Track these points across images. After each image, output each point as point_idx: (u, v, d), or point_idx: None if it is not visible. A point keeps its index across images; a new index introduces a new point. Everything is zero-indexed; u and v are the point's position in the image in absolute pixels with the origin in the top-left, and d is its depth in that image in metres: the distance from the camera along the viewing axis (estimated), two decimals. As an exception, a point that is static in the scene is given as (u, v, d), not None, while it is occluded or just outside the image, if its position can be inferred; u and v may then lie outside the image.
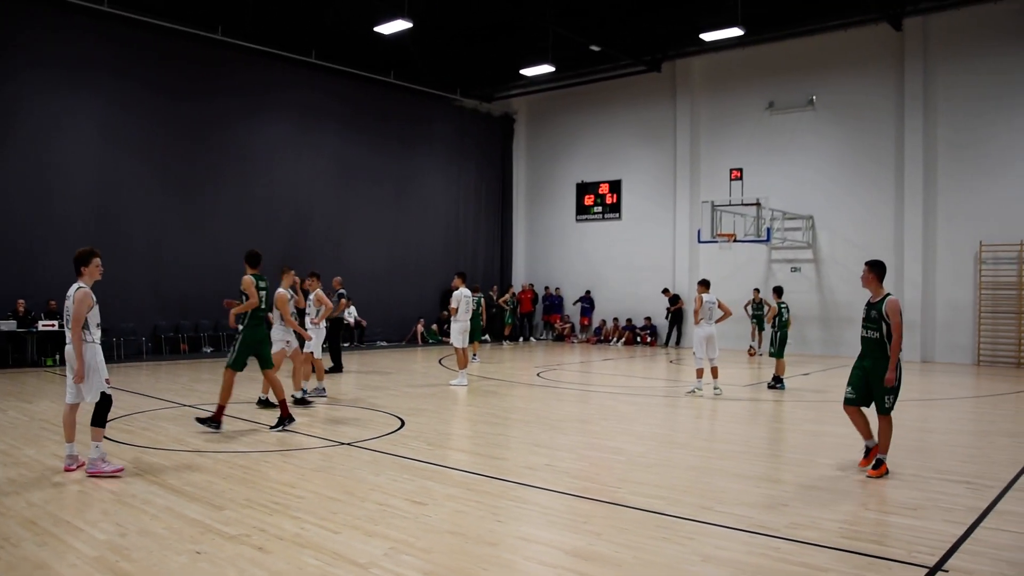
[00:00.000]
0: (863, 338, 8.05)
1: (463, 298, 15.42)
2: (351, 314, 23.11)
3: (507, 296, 28.02)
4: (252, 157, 22.86)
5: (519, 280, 30.61)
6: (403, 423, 10.76)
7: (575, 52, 25.64)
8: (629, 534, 5.89)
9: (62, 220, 18.87)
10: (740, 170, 22.02)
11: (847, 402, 8.12)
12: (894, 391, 7.82)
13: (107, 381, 7.54)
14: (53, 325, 17.88)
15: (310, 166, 24.39)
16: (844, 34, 22.74)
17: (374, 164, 26.30)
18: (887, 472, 7.78)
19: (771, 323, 15.54)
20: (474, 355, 20.56)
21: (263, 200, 22.96)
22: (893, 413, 7.94)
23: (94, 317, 7.54)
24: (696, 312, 14.21)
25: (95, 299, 7.57)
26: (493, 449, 9.36)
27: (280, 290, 11.71)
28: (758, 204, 21.42)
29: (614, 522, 6.22)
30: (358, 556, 5.34)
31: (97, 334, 7.57)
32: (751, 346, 23.21)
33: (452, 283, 15.87)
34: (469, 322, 15.66)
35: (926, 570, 5.18)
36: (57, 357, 18.05)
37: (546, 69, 24.40)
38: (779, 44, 23.96)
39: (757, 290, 23.33)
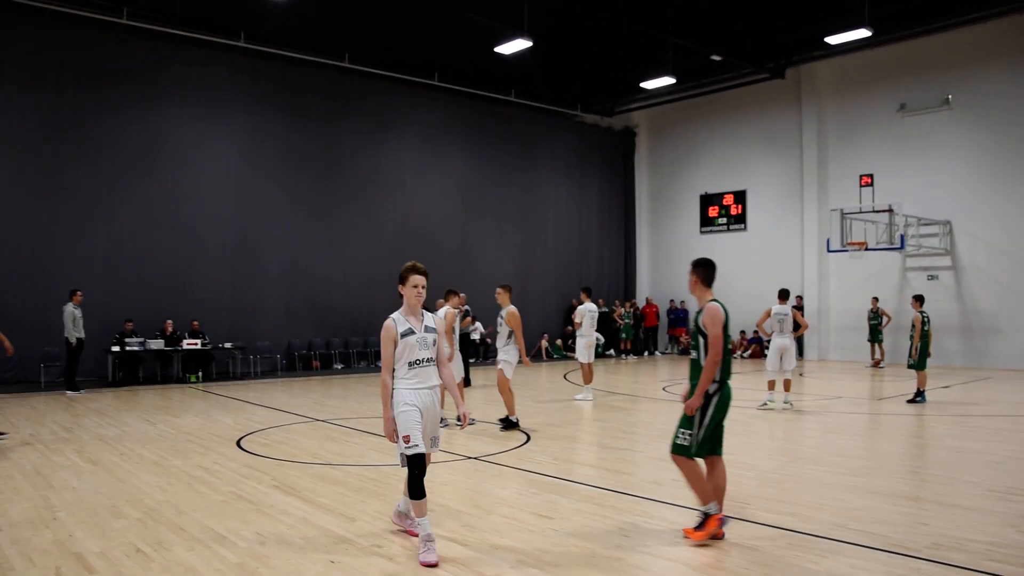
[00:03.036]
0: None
1: (587, 312, 15.45)
2: (477, 330, 23.48)
3: (621, 310, 27.80)
4: (380, 178, 23.59)
5: (643, 294, 30.37)
6: (529, 438, 10.84)
7: (696, 62, 25.37)
8: (759, 552, 5.76)
9: (204, 245, 20.05)
10: (871, 176, 21.28)
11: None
12: (689, 423, 6.03)
13: (406, 439, 5.65)
14: (196, 344, 18.89)
15: (435, 185, 24.94)
16: (982, 27, 21.60)
17: (497, 181, 26.70)
18: (720, 534, 6.01)
19: (918, 335, 14.71)
20: None
21: (391, 219, 23.62)
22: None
23: (408, 352, 5.77)
24: (760, 323, 14.15)
25: (406, 328, 5.79)
26: (619, 464, 9.31)
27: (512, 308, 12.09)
28: (890, 210, 20.60)
29: (744, 539, 6.09)
30: (486, 568, 5.41)
31: (414, 374, 5.78)
32: (875, 358, 22.41)
33: (578, 298, 15.94)
34: (597, 336, 15.68)
35: (1085, 596, 4.86)
36: (200, 374, 19.07)
37: (667, 81, 24.26)
38: (910, 43, 22.97)
39: (876, 299, 22.51)
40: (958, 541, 5.98)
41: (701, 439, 6.05)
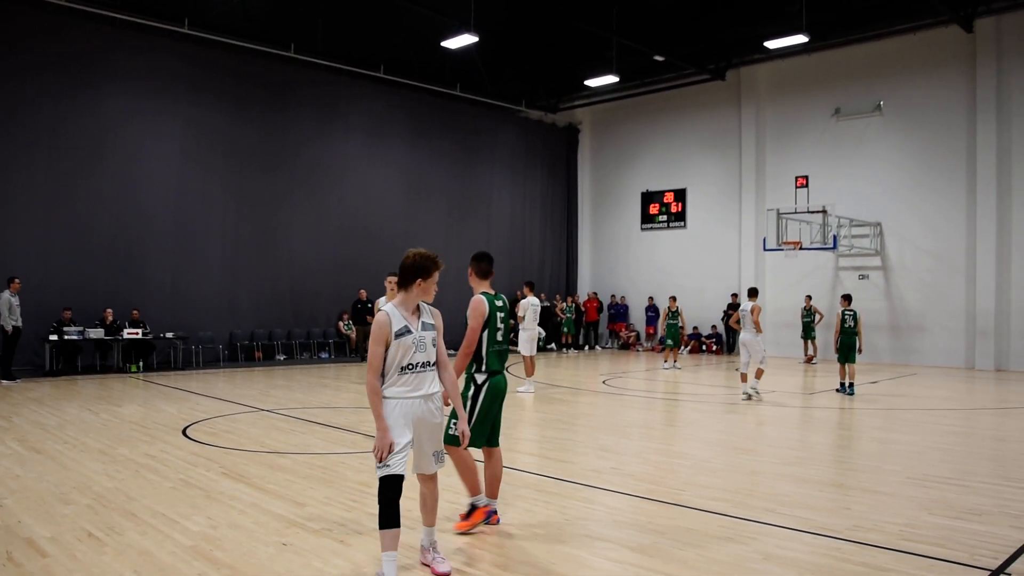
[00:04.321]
0: None
1: (530, 307, 15.73)
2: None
3: (562, 305, 28.27)
4: (324, 169, 23.56)
5: (584, 289, 30.80)
6: (472, 428, 11.05)
7: (639, 62, 25.85)
8: (693, 533, 6.09)
9: (145, 234, 19.80)
10: (806, 177, 21.97)
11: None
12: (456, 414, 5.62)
13: (379, 458, 4.84)
14: (137, 333, 18.71)
15: (379, 179, 24.98)
16: (912, 37, 22.44)
17: (441, 176, 26.84)
18: (493, 521, 6.26)
19: (836, 331, 15.76)
20: (670, 362, 21.24)
21: (335, 211, 23.60)
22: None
23: (401, 354, 4.87)
24: (732, 320, 15.62)
25: (401, 326, 4.89)
26: (560, 453, 9.60)
27: None
28: (824, 211, 21.29)
29: (678, 522, 6.42)
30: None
31: (404, 381, 4.91)
32: (808, 354, 23.22)
33: (522, 292, 16.27)
34: (538, 330, 16.11)
35: (988, 572, 5.26)
36: (141, 364, 18.90)
37: (610, 79, 24.66)
38: (845, 50, 23.75)
39: (809, 297, 23.34)
40: (876, 523, 6.38)
41: (472, 430, 6.01)
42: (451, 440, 5.74)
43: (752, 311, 14.53)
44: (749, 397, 14.40)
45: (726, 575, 5.18)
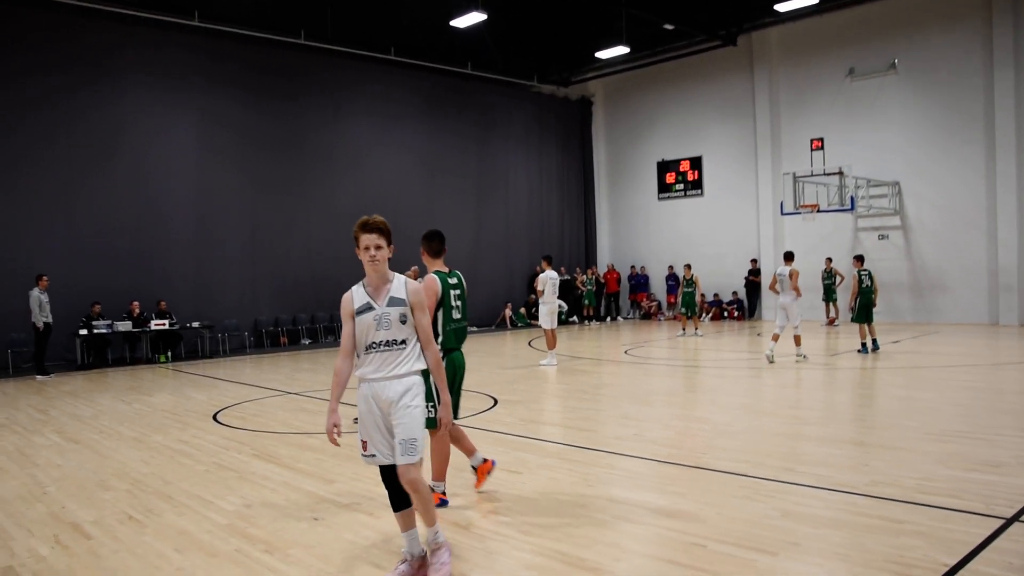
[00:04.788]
0: None
1: (549, 280, 15.88)
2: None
3: (583, 278, 28.40)
4: (339, 154, 23.74)
5: (604, 261, 30.87)
6: (496, 401, 11.25)
7: (649, 32, 25.77)
8: (713, 494, 6.24)
9: (167, 225, 20.12)
10: (821, 140, 21.88)
11: None
12: (430, 395, 5.25)
13: (363, 444, 4.74)
14: (164, 324, 19.05)
15: (394, 160, 25.12)
16: (925, -7, 22.24)
17: (456, 154, 26.95)
18: (442, 503, 6.18)
19: (854, 292, 15.89)
20: (695, 330, 21.61)
21: (351, 194, 23.75)
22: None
23: (364, 332, 4.63)
24: (771, 285, 15.40)
25: (363, 303, 4.64)
26: (583, 422, 9.76)
27: None
28: (840, 173, 21.21)
29: (698, 484, 6.57)
30: (460, 520, 5.83)
31: (369, 361, 4.64)
32: (830, 317, 23.22)
33: (540, 266, 16.46)
34: (559, 303, 16.27)
35: (1003, 521, 5.37)
36: (169, 354, 19.25)
37: (621, 51, 24.65)
38: (857, 8, 23.53)
39: (829, 259, 23.25)
40: (894, 478, 6.49)
41: (431, 410, 5.59)
42: (429, 424, 5.42)
43: (791, 275, 14.72)
44: (771, 360, 14.51)
45: (745, 532, 5.33)
